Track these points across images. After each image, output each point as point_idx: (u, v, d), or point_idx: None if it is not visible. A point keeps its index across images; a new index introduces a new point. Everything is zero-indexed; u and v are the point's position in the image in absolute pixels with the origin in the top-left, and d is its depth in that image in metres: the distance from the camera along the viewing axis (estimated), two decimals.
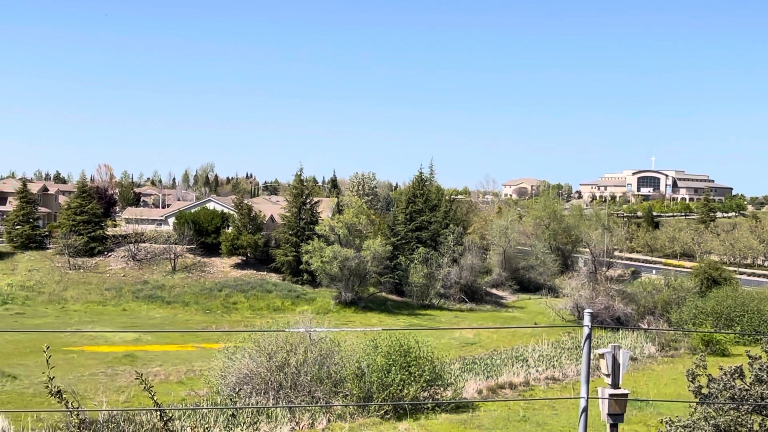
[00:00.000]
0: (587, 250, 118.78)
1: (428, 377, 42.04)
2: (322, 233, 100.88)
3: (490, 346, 72.18)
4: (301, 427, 38.26)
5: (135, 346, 69.89)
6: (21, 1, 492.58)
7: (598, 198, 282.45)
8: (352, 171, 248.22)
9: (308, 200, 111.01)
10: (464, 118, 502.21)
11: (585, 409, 14.41)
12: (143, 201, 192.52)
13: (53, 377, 10.28)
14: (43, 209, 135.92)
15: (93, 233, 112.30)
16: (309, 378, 42.20)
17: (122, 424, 34.92)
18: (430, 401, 41.91)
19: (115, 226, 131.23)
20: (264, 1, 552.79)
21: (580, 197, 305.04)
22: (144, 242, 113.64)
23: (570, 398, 41.37)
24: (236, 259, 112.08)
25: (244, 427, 36.41)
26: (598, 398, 16.02)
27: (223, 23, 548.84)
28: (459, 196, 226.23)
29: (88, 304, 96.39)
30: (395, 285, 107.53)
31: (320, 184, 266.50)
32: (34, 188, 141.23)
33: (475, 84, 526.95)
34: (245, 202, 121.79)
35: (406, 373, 41.05)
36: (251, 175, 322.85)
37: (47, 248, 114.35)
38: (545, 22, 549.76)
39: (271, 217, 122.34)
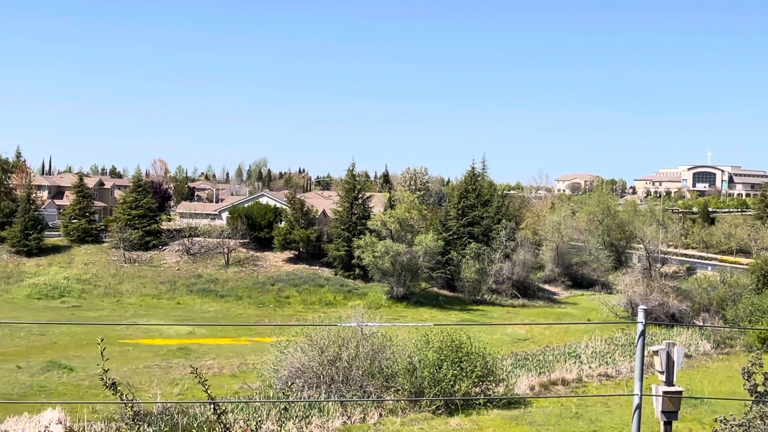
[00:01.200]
0: (641, 246, 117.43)
1: (480, 373, 41.92)
2: (374, 228, 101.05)
3: (542, 342, 71.82)
4: (352, 421, 38.37)
5: (189, 339, 70.60)
6: None
7: (652, 193, 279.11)
8: (404, 166, 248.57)
9: (360, 195, 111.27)
10: (517, 112, 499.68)
11: (638, 407, 14.29)
12: (197, 195, 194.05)
13: (108, 369, 10.40)
14: (99, 203, 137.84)
15: (148, 227, 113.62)
16: (361, 372, 42.30)
17: (176, 416, 35.33)
18: (481, 397, 41.81)
19: (169, 220, 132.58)
20: None
21: (634, 193, 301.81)
22: (198, 236, 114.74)
23: (623, 395, 40.98)
24: (289, 254, 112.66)
25: (297, 420, 36.58)
26: (651, 395, 15.86)
27: (277, 18, 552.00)
28: (511, 192, 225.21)
29: (143, 298, 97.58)
30: (447, 280, 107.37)
31: (372, 179, 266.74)
32: (91, 182, 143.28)
33: (529, 78, 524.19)
34: (298, 196, 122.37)
35: (458, 368, 40.97)
36: (304, 170, 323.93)
37: (103, 242, 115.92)
38: (597, 16, 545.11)
39: (324, 212, 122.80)
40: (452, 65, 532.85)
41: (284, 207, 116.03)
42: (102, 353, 10.65)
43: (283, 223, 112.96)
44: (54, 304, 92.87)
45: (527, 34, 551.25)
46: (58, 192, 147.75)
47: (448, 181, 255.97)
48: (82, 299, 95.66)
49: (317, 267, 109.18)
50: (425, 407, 40.50)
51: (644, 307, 14.42)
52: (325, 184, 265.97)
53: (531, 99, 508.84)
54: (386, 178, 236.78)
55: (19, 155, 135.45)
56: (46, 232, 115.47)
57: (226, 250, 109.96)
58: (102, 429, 34.78)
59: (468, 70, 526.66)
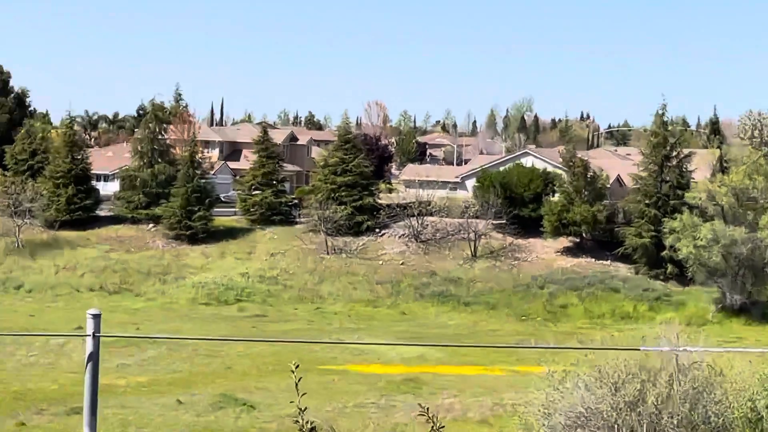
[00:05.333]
0: None
1: None
2: (695, 203, 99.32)
3: None
4: None
5: (418, 366, 71.46)
6: None
7: None
8: (743, 109, 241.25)
9: (674, 153, 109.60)
10: None
11: None
12: (430, 155, 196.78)
13: (305, 408, 10.60)
14: (289, 167, 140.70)
15: (360, 202, 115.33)
16: (675, 422, 41.72)
17: None
18: None
19: (390, 191, 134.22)
20: None
21: None
22: (431, 215, 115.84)
23: None
24: (565, 241, 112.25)
25: None
26: None
27: None
28: None
29: (353, 304, 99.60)
30: None
31: (693, 128, 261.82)
32: (279, 137, 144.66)
33: None
34: (579, 156, 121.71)
35: None
36: (587, 116, 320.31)
37: (295, 222, 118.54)
38: None
39: (618, 179, 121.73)
40: None
41: (559, 171, 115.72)
42: (296, 384, 10.85)
43: (556, 196, 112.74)
44: (228, 312, 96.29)
45: None
46: (233, 151, 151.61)
47: None
48: (267, 305, 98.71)
49: (608, 261, 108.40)
50: None
51: None
52: (620, 137, 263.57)
53: None
54: (714, 128, 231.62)
55: (179, 98, 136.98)
56: (216, 209, 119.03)
57: (472, 235, 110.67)
58: None
59: None
